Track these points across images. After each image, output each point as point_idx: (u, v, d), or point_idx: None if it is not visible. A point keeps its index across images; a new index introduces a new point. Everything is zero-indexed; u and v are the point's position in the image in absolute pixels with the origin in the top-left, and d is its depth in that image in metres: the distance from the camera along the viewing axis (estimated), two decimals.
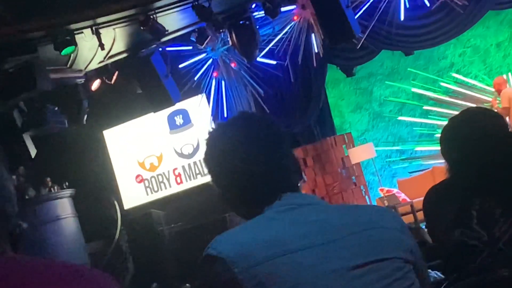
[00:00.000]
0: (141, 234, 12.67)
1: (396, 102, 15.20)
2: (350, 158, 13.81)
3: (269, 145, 2.31)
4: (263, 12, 11.09)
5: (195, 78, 13.14)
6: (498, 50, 14.54)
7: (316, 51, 12.87)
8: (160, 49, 11.71)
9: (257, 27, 11.23)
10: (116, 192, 13.95)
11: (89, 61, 11.20)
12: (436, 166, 13.52)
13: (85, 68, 11.50)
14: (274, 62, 13.49)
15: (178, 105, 12.62)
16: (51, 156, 12.94)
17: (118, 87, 12.22)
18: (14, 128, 11.22)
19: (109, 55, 11.21)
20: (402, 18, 12.81)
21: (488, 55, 14.59)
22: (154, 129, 13.91)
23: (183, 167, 13.76)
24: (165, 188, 13.85)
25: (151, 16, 9.96)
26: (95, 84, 11.90)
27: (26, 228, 1.90)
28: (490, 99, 13.58)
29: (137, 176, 14.02)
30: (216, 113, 13.35)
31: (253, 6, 11.24)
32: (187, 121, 13.74)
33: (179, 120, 13.79)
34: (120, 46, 11.08)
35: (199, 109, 13.44)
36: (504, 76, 13.67)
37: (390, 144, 15.18)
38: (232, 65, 13.26)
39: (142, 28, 10.05)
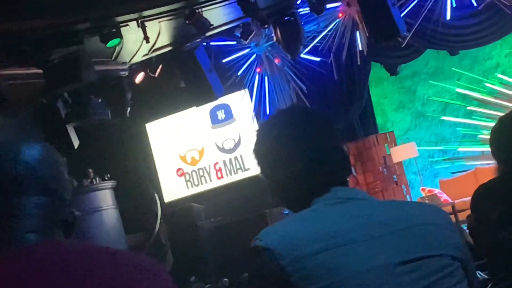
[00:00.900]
0: (180, 227, 12.71)
1: (439, 102, 15.09)
2: (392, 157, 13.76)
3: (323, 137, 2.31)
4: (308, 8, 11.06)
5: (238, 73, 13.15)
6: None
7: (360, 49, 12.81)
8: (204, 43, 11.73)
9: (302, 23, 11.20)
10: (156, 185, 14.02)
11: (134, 54, 11.26)
12: (479, 167, 13.39)
13: (130, 60, 11.56)
14: (318, 59, 13.46)
15: (221, 100, 12.62)
16: (94, 147, 13.04)
17: (162, 81, 12.27)
18: (58, 119, 11.32)
19: (153, 48, 11.26)
20: (448, 17, 12.70)
21: None
22: (196, 123, 13.94)
23: (224, 161, 13.78)
24: (206, 182, 13.88)
25: (197, 10, 9.98)
26: (139, 77, 11.96)
27: (78, 216, 1.92)
28: None
29: (178, 169, 14.07)
30: (258, 109, 13.35)
31: (299, 2, 11.23)
32: (229, 116, 13.76)
33: (221, 114, 13.82)
34: (164, 39, 11.12)
35: (241, 104, 13.45)
36: None
37: (432, 144, 15.08)
38: (276, 61, 13.25)
39: (187, 22, 10.07)
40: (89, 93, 11.39)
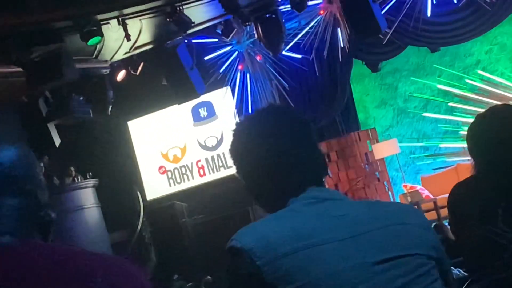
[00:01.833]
0: (163, 225, 12.71)
1: (421, 99, 15.14)
2: (374, 154, 13.80)
3: (298, 137, 2.31)
4: (289, 5, 11.06)
5: (220, 71, 13.14)
6: None
7: (342, 45, 12.83)
8: (186, 41, 11.71)
9: (283, 20, 11.20)
10: (139, 183, 13.99)
11: (115, 51, 11.23)
12: (460, 163, 13.46)
13: (111, 58, 11.53)
14: (299, 56, 13.47)
15: (203, 97, 12.63)
16: (75, 146, 13.01)
17: (143, 78, 12.24)
18: (39, 117, 11.28)
19: (135, 46, 11.23)
20: (429, 14, 12.75)
21: None
22: (178, 120, 13.93)
23: (206, 159, 13.78)
24: (188, 180, 13.87)
25: (178, 8, 9.96)
26: (121, 75, 11.93)
27: (54, 217, 1.93)
28: None
29: (160, 167, 14.06)
30: (240, 106, 13.35)
31: None
32: (211, 113, 13.76)
33: (203, 112, 13.81)
34: (146, 37, 11.10)
35: (223, 101, 13.46)
36: None
37: (414, 141, 15.13)
38: (258, 58, 13.24)
39: (168, 19, 10.05)
40: (70, 91, 11.34)
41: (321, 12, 12.47)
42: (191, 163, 13.87)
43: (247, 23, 11.09)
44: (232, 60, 13.28)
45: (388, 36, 12.60)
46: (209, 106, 13.73)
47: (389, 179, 14.26)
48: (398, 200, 13.54)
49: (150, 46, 11.45)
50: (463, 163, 13.00)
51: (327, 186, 2.40)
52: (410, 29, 12.99)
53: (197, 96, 11.79)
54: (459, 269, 3.81)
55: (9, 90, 10.59)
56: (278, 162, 2.27)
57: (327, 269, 2.05)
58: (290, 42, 12.87)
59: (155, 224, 13.03)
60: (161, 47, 11.37)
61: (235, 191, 12.53)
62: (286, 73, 13.39)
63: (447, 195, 3.29)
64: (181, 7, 9.98)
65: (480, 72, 14.43)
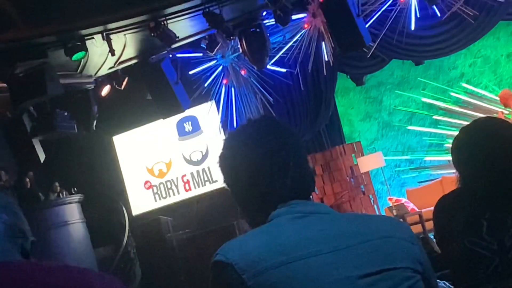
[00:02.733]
0: (149, 240, 12.68)
1: (405, 112, 15.18)
2: (359, 167, 13.81)
3: (287, 150, 2.30)
4: (273, 19, 11.09)
5: (205, 85, 13.14)
6: (508, 61, 14.52)
7: (326, 59, 12.85)
8: (170, 55, 11.73)
9: (268, 34, 11.22)
10: (124, 198, 13.97)
11: (99, 67, 11.22)
12: (445, 176, 13.48)
13: (95, 73, 11.52)
14: (284, 70, 13.49)
15: (188, 112, 12.63)
16: (60, 161, 12.99)
17: (128, 93, 12.24)
18: (23, 132, 11.25)
19: (119, 61, 11.23)
20: (412, 27, 12.80)
21: (498, 66, 14.56)
22: (163, 135, 13.92)
23: (191, 173, 13.77)
24: (174, 194, 13.86)
25: (162, 23, 9.97)
26: (105, 90, 11.92)
27: (34, 240, 2.03)
28: (500, 109, 13.54)
29: (146, 182, 14.04)
30: (225, 120, 13.35)
31: (264, 13, 11.25)
32: (196, 128, 13.76)
33: (188, 126, 13.81)
34: (130, 52, 11.10)
35: (208, 116, 13.46)
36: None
37: (399, 154, 15.15)
38: (242, 72, 13.26)
39: (152, 34, 10.05)
40: (54, 106, 11.33)
41: (306, 26, 12.50)
42: (177, 178, 13.85)
43: (231, 38, 11.11)
44: (216, 75, 13.29)
45: (373, 50, 12.65)
46: (194, 120, 13.73)
47: (374, 192, 14.27)
48: (383, 213, 13.55)
49: (134, 61, 11.46)
50: (448, 176, 13.02)
51: (312, 198, 2.40)
52: (394, 43, 13.05)
53: (182, 110, 11.80)
54: (445, 282, 3.80)
55: None
56: (265, 173, 2.26)
57: (312, 282, 2.04)
58: (274, 56, 12.89)
59: (140, 239, 13.00)
60: (145, 61, 11.38)
61: (221, 205, 12.55)
62: (271, 87, 13.41)
63: (432, 208, 3.29)
64: (165, 22, 9.99)
65: (464, 85, 14.50)
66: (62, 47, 9.70)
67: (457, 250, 3.07)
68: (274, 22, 11.29)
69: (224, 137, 2.43)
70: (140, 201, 13.93)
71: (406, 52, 13.52)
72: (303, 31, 12.63)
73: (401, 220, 11.89)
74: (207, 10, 10.00)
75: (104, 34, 9.91)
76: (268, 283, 2.02)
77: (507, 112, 13.05)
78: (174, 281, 12.38)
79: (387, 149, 15.18)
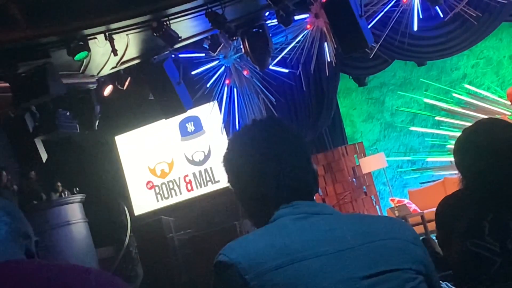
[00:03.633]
0: (150, 240, 12.67)
1: (408, 113, 15.16)
2: (361, 168, 13.80)
3: (291, 150, 2.31)
4: (276, 20, 11.09)
5: (207, 85, 13.15)
6: (511, 62, 14.50)
7: (329, 60, 12.85)
8: (173, 55, 11.72)
9: (270, 35, 11.22)
10: (126, 198, 13.97)
11: (102, 66, 11.22)
12: (448, 177, 13.48)
13: (98, 73, 11.52)
14: (286, 71, 13.49)
15: (190, 112, 12.62)
16: (62, 161, 12.98)
17: (130, 93, 12.24)
18: (25, 132, 11.25)
19: (121, 61, 11.23)
20: (415, 28, 12.80)
21: (501, 67, 14.55)
22: (165, 135, 13.92)
23: (193, 174, 13.76)
24: (176, 195, 13.85)
25: (164, 23, 9.97)
26: (107, 90, 11.92)
27: (38, 240, 2.07)
28: (502, 110, 13.54)
29: (148, 182, 14.03)
30: (227, 120, 13.35)
31: (267, 14, 11.25)
32: (198, 128, 13.75)
33: (190, 127, 13.81)
34: (133, 52, 11.10)
35: (210, 116, 13.46)
36: None
37: (401, 155, 15.14)
38: (245, 72, 13.26)
39: (155, 34, 10.05)
40: (57, 106, 11.33)
41: (308, 26, 12.50)
42: (179, 178, 13.85)
43: (234, 38, 11.11)
44: (219, 75, 13.29)
45: (375, 51, 12.64)
46: (196, 120, 13.73)
47: (376, 193, 14.26)
48: (385, 214, 13.55)
49: (137, 61, 11.45)
50: (451, 177, 13.02)
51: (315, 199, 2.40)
52: (397, 44, 13.04)
53: (184, 110, 11.78)
54: (447, 283, 3.80)
55: None
56: (269, 173, 2.26)
57: (315, 283, 2.04)
58: (277, 57, 12.89)
59: (142, 239, 12.99)
60: (148, 62, 11.37)
61: (223, 206, 12.55)
62: (273, 88, 13.40)
63: (434, 209, 3.29)
64: (167, 22, 9.99)
65: (466, 86, 14.48)
66: (65, 47, 9.70)
67: (459, 252, 3.07)
68: (276, 23, 11.29)
69: (226, 137, 2.45)
70: (142, 201, 13.93)
71: (408, 53, 13.50)
72: (305, 31, 12.64)
73: (403, 221, 11.89)
74: (209, 10, 10.00)
75: (107, 34, 9.91)
76: (271, 284, 2.02)
77: (509, 114, 13.06)
78: (175, 280, 12.38)
79: (389, 150, 15.17)
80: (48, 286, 1.77)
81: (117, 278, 1.92)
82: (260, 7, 10.86)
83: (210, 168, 13.56)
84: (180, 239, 12.86)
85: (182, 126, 13.82)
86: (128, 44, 10.61)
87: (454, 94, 14.45)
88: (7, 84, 9.88)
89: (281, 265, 2.04)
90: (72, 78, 11.05)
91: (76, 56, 9.75)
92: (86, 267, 1.90)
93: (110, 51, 10.17)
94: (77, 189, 12.64)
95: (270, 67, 12.51)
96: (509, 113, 13.13)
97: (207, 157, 13.65)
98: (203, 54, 12.67)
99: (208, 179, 13.64)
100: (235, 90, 13.48)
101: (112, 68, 11.46)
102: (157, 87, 11.60)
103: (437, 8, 12.47)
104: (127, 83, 11.82)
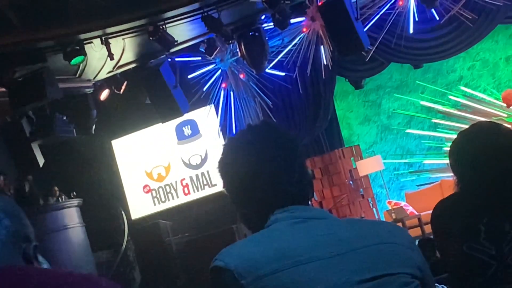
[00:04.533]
0: (148, 244, 12.67)
1: (404, 115, 15.19)
2: (358, 171, 13.81)
3: (286, 155, 2.31)
4: (272, 23, 11.09)
5: (204, 89, 13.15)
6: (507, 64, 14.54)
7: (325, 63, 12.86)
8: (169, 59, 11.72)
9: (266, 38, 11.23)
10: (123, 202, 13.96)
11: (98, 71, 11.23)
12: (445, 179, 13.50)
13: (94, 78, 11.53)
14: (283, 74, 13.49)
15: (187, 116, 12.64)
16: (59, 165, 12.97)
17: (127, 97, 12.24)
18: (22, 137, 11.25)
19: (118, 65, 11.24)
20: (411, 31, 12.80)
21: (497, 69, 14.58)
22: (162, 139, 13.92)
23: (190, 177, 13.76)
24: (173, 198, 13.84)
25: (161, 27, 9.98)
26: (104, 94, 11.92)
27: (37, 244, 2.05)
28: (498, 112, 13.56)
29: (145, 186, 14.03)
30: (224, 124, 13.35)
31: (263, 17, 11.26)
32: (195, 131, 13.75)
33: (187, 130, 13.81)
34: (129, 56, 11.11)
35: (207, 120, 13.45)
36: None
37: (398, 157, 15.16)
38: (241, 76, 13.26)
39: (151, 38, 10.06)
40: (53, 110, 11.33)
41: (304, 29, 12.51)
42: (176, 182, 13.84)
43: (230, 41, 11.12)
44: (215, 78, 13.29)
45: (371, 53, 12.65)
46: (193, 124, 13.72)
47: (373, 195, 14.28)
48: (382, 216, 13.57)
49: (133, 65, 11.46)
50: (447, 179, 13.03)
51: (311, 204, 2.40)
52: (393, 46, 13.05)
53: (181, 114, 11.79)
54: (443, 286, 3.81)
55: None
56: (264, 178, 2.26)
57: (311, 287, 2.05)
58: (273, 60, 12.89)
59: (139, 243, 12.99)
60: (144, 65, 11.39)
61: (220, 209, 12.54)
62: (270, 91, 13.40)
63: (431, 211, 3.29)
64: (164, 26, 10.00)
65: (462, 88, 14.51)
66: (61, 52, 9.71)
67: (456, 255, 3.07)
68: (272, 26, 11.29)
69: (223, 141, 2.45)
70: (139, 205, 13.91)
71: (404, 55, 13.51)
72: (302, 34, 12.64)
73: (400, 223, 11.92)
74: (205, 14, 10.01)
75: (103, 38, 9.92)
76: None
77: (505, 116, 13.08)
78: (173, 285, 12.38)
79: (386, 152, 15.19)
80: None
81: (116, 285, 1.92)
82: (256, 11, 10.87)
83: (207, 171, 13.55)
84: (177, 242, 12.87)
85: (179, 129, 13.81)
86: (125, 48, 10.62)
87: (450, 97, 14.48)
88: (4, 89, 9.88)
89: (277, 270, 2.04)
90: (68, 83, 11.05)
91: (73, 61, 9.76)
92: (84, 274, 1.89)
93: (107, 55, 10.17)
94: (74, 193, 12.62)
95: (267, 70, 12.52)
96: (506, 115, 13.14)
97: (204, 160, 13.64)
98: (200, 58, 12.66)
99: (205, 182, 13.63)
100: (231, 93, 13.48)
101: (109, 72, 11.46)
102: (153, 91, 11.60)
103: (433, 10, 12.49)
104: (123, 87, 11.81)
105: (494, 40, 14.42)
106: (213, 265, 2.11)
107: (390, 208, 12.92)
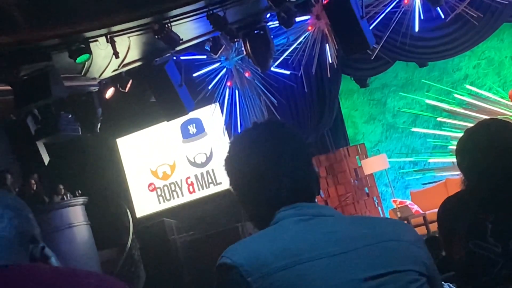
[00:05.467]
0: (153, 242, 12.68)
1: (409, 114, 15.16)
2: (363, 169, 13.80)
3: (292, 152, 2.31)
4: (277, 22, 11.08)
5: (209, 87, 13.15)
6: None
7: (330, 61, 12.86)
8: (174, 58, 11.72)
9: (272, 37, 11.22)
10: (128, 200, 13.98)
11: (104, 69, 11.22)
12: (450, 178, 13.48)
13: (99, 76, 11.52)
14: (288, 72, 13.48)
15: (192, 114, 12.63)
16: (64, 163, 12.99)
17: (132, 96, 12.24)
18: (27, 135, 11.25)
19: (123, 63, 11.23)
20: (416, 29, 12.79)
21: (502, 67, 14.55)
22: (167, 137, 13.92)
23: (195, 176, 13.76)
24: (178, 196, 13.85)
25: (166, 25, 9.97)
26: (109, 92, 11.92)
27: (43, 245, 2.05)
28: (504, 111, 13.53)
29: (150, 184, 14.04)
30: (229, 122, 13.35)
31: (268, 16, 11.24)
32: (200, 130, 13.76)
33: (192, 129, 13.81)
34: (134, 54, 11.10)
35: (212, 118, 13.45)
36: None
37: (403, 156, 15.14)
38: (246, 74, 13.26)
39: (156, 36, 10.06)
40: (59, 109, 11.34)
41: (309, 28, 12.51)
42: (181, 180, 13.85)
43: (235, 40, 11.11)
44: (220, 77, 13.30)
45: (376, 52, 12.64)
46: (198, 122, 13.73)
47: (378, 194, 14.27)
48: (387, 215, 13.55)
49: (138, 63, 11.45)
50: (453, 178, 13.02)
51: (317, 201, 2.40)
52: (398, 45, 13.05)
53: (186, 113, 11.79)
54: (449, 284, 3.81)
55: None
56: (270, 175, 2.26)
57: (318, 285, 2.04)
58: (278, 58, 12.89)
59: (144, 241, 13.00)
60: (149, 64, 11.38)
61: (225, 208, 12.54)
62: (275, 89, 13.40)
63: (436, 210, 3.28)
64: (169, 24, 9.99)
65: (468, 86, 14.47)
66: (66, 50, 9.71)
67: (461, 253, 3.06)
68: (278, 24, 11.27)
69: (228, 140, 2.44)
70: (144, 203, 13.93)
71: (410, 54, 13.50)
72: (307, 33, 12.65)
73: (405, 222, 11.89)
74: (211, 12, 10.00)
75: (108, 36, 9.91)
76: (274, 286, 2.02)
77: (511, 114, 13.05)
78: (178, 283, 12.37)
79: (391, 151, 15.17)
80: None
81: (121, 283, 1.91)
82: (261, 9, 10.86)
83: (212, 170, 13.56)
84: (182, 241, 12.87)
85: (184, 128, 13.83)
86: (130, 46, 10.62)
87: (455, 95, 14.44)
88: (9, 87, 9.88)
89: (284, 267, 2.04)
90: (74, 81, 11.05)
91: (78, 59, 9.75)
92: (88, 271, 1.89)
93: (112, 54, 10.17)
94: (80, 191, 12.65)
95: (272, 68, 12.51)
96: (511, 114, 13.11)
97: (209, 159, 13.65)
98: (205, 56, 12.67)
99: (210, 181, 13.64)
100: (236, 92, 13.48)
101: (114, 70, 11.46)
102: (158, 89, 11.60)
103: (438, 9, 12.47)
104: (128, 85, 11.81)
105: (499, 39, 14.38)
106: (220, 262, 2.10)
107: (395, 206, 12.90)
